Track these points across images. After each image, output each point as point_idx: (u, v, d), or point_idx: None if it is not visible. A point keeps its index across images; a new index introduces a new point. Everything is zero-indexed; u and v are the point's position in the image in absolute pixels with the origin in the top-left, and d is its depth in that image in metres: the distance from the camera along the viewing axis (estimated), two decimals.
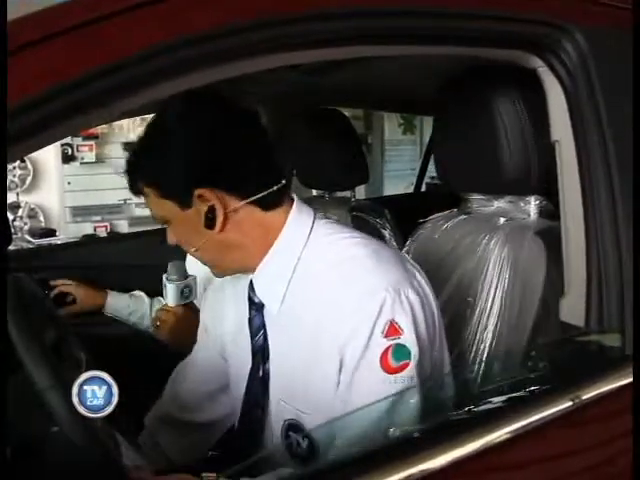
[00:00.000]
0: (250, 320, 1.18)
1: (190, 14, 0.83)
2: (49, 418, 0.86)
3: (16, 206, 4.54)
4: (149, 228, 3.58)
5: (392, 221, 2.17)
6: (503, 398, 0.93)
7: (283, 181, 1.12)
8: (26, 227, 4.54)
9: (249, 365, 1.18)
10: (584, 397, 0.93)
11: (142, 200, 1.11)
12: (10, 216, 4.22)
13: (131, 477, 0.93)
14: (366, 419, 0.98)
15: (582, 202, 1.06)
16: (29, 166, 4.51)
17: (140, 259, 2.28)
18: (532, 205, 1.34)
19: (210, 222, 1.06)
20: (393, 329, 0.99)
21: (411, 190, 3.18)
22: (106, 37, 0.79)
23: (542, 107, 1.12)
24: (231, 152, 1.08)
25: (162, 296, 1.77)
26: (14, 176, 4.48)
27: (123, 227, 4.84)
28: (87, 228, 4.76)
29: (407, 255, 1.43)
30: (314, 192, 2.37)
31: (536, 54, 1.06)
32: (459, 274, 1.18)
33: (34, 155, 4.34)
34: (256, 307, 1.16)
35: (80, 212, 4.77)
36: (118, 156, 4.84)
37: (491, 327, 1.26)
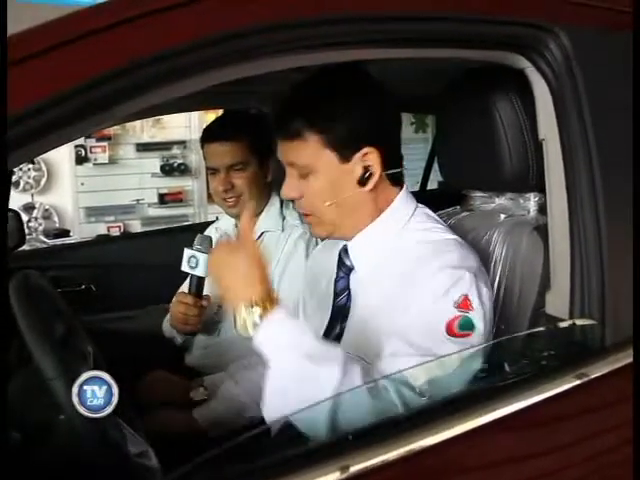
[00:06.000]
0: (336, 281, 1.29)
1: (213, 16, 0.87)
2: (56, 407, 0.89)
3: (31, 207, 4.60)
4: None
5: None
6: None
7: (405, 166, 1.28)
8: (40, 228, 4.60)
9: (326, 322, 1.28)
10: (566, 387, 0.97)
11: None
12: (25, 217, 4.27)
13: None
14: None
15: (567, 199, 1.09)
16: (43, 168, 4.57)
17: (153, 258, 2.32)
18: (532, 202, 1.36)
19: (364, 180, 1.18)
20: (465, 303, 1.08)
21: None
22: (113, 43, 0.83)
23: None
24: (396, 124, 1.26)
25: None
26: (29, 177, 4.55)
27: (136, 227, 4.88)
28: (101, 228, 4.82)
29: None
30: None
31: (523, 55, 1.08)
32: None
33: (48, 157, 4.40)
34: (345, 270, 1.28)
35: (94, 212, 4.83)
36: (131, 157, 4.90)
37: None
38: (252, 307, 1.01)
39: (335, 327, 1.26)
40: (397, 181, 1.25)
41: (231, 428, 1.47)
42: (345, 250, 1.28)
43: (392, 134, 1.24)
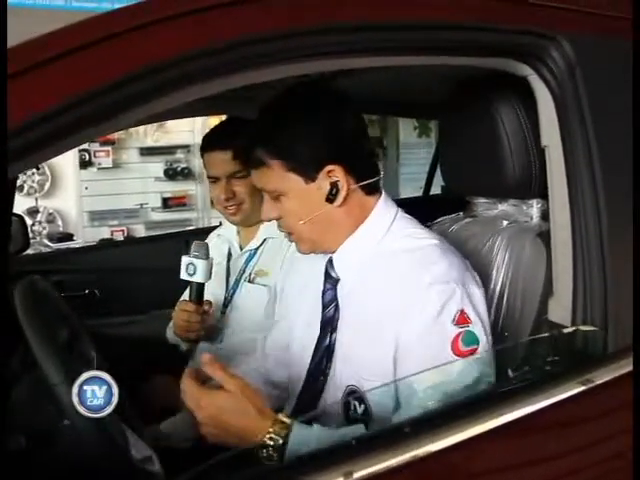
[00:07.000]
0: (323, 293, 1.29)
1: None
2: (60, 411, 0.89)
3: (35, 211, 4.61)
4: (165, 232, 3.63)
5: None
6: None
7: (382, 173, 1.28)
8: (44, 231, 4.61)
9: (316, 336, 1.28)
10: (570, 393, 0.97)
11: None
12: (29, 221, 4.28)
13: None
14: (432, 393, 1.04)
15: (569, 206, 1.09)
16: (47, 172, 4.58)
17: (157, 263, 2.32)
18: (534, 208, 1.36)
19: (332, 196, 1.19)
20: (463, 318, 1.10)
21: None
22: (125, 50, 0.83)
23: None
24: (358, 137, 1.25)
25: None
26: (33, 181, 4.55)
27: (140, 231, 4.89)
28: (104, 232, 4.83)
29: None
30: None
31: (526, 62, 1.09)
32: None
33: (52, 161, 4.39)
34: (331, 282, 1.29)
35: (97, 216, 4.84)
36: (135, 161, 4.91)
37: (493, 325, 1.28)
38: (270, 439, 1.01)
39: (325, 338, 1.27)
40: (373, 190, 1.26)
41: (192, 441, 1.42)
42: (330, 262, 1.29)
43: (355, 147, 1.23)
